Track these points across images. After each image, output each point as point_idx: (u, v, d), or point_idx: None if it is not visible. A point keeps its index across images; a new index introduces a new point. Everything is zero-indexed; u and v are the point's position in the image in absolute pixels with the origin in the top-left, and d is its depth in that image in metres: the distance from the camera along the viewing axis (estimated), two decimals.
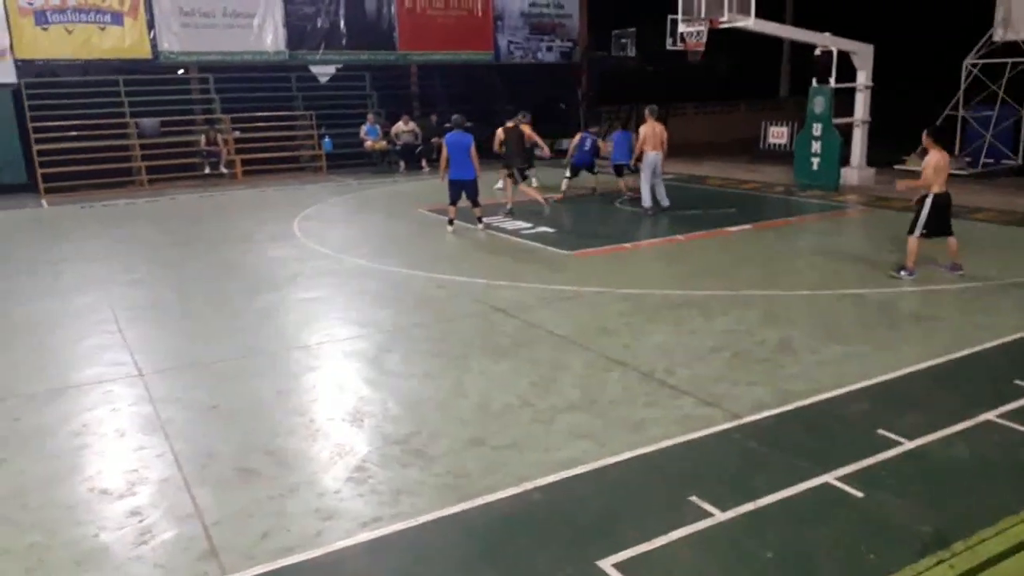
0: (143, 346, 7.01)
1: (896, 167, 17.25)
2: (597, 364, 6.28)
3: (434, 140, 18.83)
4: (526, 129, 13.45)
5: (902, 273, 8.61)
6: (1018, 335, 6.66)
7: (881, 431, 4.91)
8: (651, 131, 12.89)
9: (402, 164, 20.09)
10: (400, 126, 20.31)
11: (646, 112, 13.19)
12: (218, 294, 8.92)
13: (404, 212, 13.95)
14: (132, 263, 10.51)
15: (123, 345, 7.03)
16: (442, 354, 6.64)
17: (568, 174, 14.94)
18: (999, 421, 5.04)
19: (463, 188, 11.67)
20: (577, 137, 15.24)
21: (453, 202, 11.79)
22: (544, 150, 14.77)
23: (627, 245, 10.94)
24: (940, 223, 8.51)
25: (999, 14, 16.74)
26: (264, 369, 6.45)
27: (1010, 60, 16.99)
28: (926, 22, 28.11)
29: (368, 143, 20.14)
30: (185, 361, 6.62)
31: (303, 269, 9.86)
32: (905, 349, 6.40)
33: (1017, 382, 5.60)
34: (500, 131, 12.99)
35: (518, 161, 13.08)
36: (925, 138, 8.65)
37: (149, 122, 19.10)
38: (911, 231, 8.58)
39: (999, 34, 16.83)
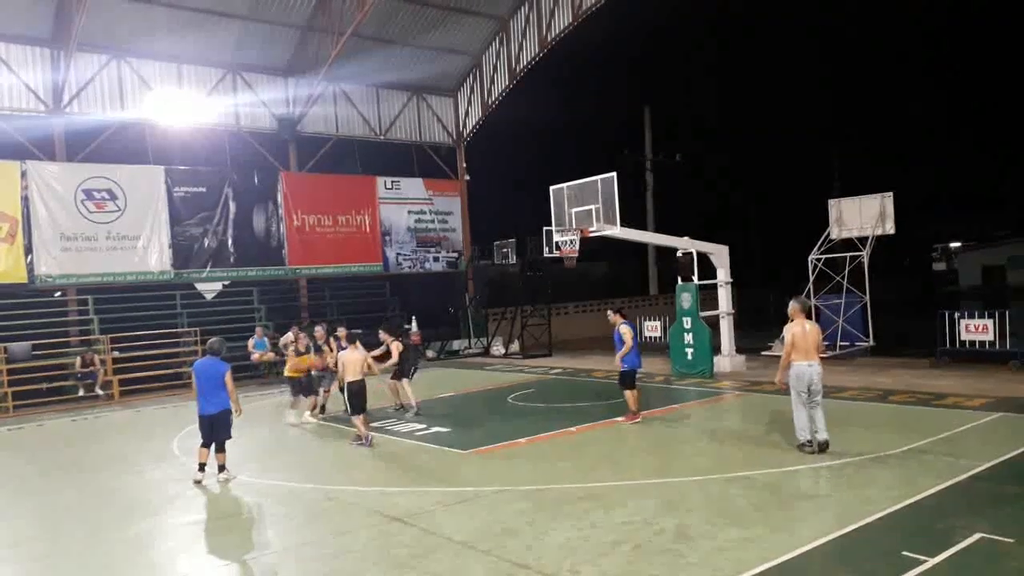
0: None
1: (763, 353, 18.50)
2: (500, 570, 6.07)
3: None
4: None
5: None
6: (897, 506, 6.99)
7: None
8: (800, 331, 9.22)
9: None
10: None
11: (793, 307, 9.39)
12: (88, 524, 8.17)
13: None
14: None
15: None
16: (335, 574, 6.27)
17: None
18: None
19: (214, 424, 9.56)
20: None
21: (206, 443, 9.66)
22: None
23: (522, 440, 10.96)
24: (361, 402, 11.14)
25: (832, 215, 19.22)
26: None
27: (848, 254, 19.23)
28: (772, 224, 31.69)
29: (255, 356, 19.80)
30: None
31: (182, 491, 9.26)
32: (799, 529, 6.56)
33: (905, 553, 5.79)
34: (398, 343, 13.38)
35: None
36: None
37: (19, 346, 18.22)
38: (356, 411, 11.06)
39: (835, 232, 19.19)
